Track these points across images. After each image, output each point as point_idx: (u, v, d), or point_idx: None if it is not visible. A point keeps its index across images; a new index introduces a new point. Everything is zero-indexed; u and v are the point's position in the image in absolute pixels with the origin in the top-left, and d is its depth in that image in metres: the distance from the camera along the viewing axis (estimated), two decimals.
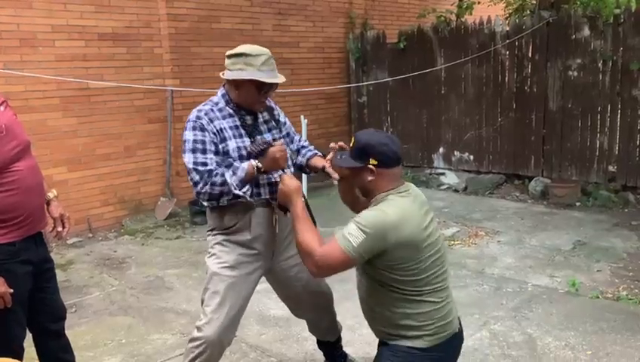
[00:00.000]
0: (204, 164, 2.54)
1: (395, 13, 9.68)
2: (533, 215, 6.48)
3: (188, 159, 2.57)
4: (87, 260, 5.38)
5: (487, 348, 3.46)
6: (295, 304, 3.04)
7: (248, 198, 2.61)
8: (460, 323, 2.39)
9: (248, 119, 2.70)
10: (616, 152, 6.80)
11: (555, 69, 7.08)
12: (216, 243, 2.72)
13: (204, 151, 2.56)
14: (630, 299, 4.12)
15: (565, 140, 7.14)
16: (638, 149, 6.64)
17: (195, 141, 2.57)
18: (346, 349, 3.26)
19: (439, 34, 7.97)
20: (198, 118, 2.60)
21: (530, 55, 7.29)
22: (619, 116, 6.74)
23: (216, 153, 2.59)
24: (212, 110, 2.64)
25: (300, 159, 2.93)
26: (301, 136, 3.03)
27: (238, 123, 2.66)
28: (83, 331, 3.86)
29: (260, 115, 2.76)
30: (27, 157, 2.52)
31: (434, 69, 7.95)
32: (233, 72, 2.59)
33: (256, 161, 2.57)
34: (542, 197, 7.10)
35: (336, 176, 2.60)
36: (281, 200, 2.49)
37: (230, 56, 2.63)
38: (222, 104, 2.68)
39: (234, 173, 2.55)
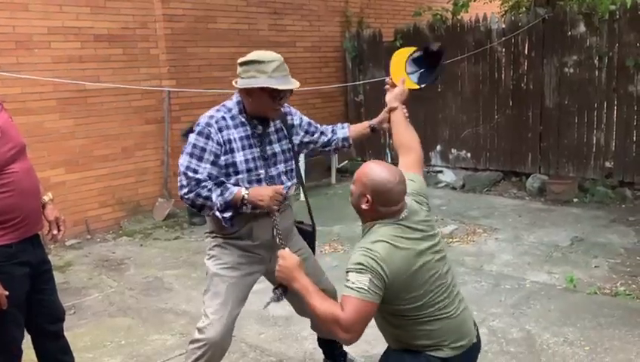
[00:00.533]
0: (195, 172, 2.53)
1: (390, 11, 9.69)
2: (530, 212, 6.50)
3: (182, 161, 2.57)
4: (85, 262, 5.38)
5: (485, 344, 3.45)
6: (298, 302, 3.03)
7: (225, 223, 2.55)
8: (478, 333, 2.38)
9: (259, 129, 2.66)
10: (613, 148, 6.82)
11: (551, 65, 7.09)
12: (216, 246, 2.73)
13: (200, 159, 2.54)
14: (628, 295, 4.13)
15: (562, 137, 7.16)
16: (634, 145, 6.66)
17: (194, 146, 2.56)
18: (346, 348, 3.27)
19: (435, 32, 7.98)
20: (208, 125, 2.57)
21: (526, 52, 7.32)
22: (615, 112, 6.76)
23: (214, 164, 2.55)
24: (224, 118, 2.60)
25: (342, 132, 2.96)
26: (325, 126, 3.00)
27: (249, 133, 2.63)
28: (82, 332, 3.87)
29: (271, 124, 2.73)
30: (22, 160, 2.52)
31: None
32: (245, 80, 2.55)
33: (246, 192, 2.52)
34: (539, 193, 7.11)
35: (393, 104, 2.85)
36: (282, 277, 2.27)
37: (242, 64, 2.58)
38: (235, 111, 2.63)
39: (221, 194, 2.51)
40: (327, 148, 3.00)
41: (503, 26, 7.45)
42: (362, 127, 2.99)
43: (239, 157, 2.60)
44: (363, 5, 9.14)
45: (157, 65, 6.71)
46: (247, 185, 2.60)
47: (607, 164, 6.89)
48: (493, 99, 7.66)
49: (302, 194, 3.14)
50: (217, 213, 2.52)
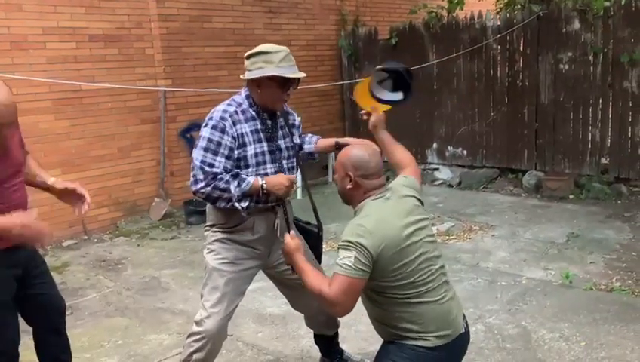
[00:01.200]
0: (211, 166, 2.56)
1: (386, 9, 9.69)
2: (526, 208, 6.51)
3: (197, 155, 2.60)
4: (82, 262, 5.38)
5: (482, 341, 3.48)
6: (293, 298, 3.06)
7: (243, 213, 2.62)
8: (467, 324, 2.40)
9: (268, 123, 2.72)
10: (609, 144, 6.84)
11: (546, 62, 7.11)
12: (216, 240, 2.76)
13: (215, 153, 2.57)
14: (623, 290, 4.15)
15: (558, 133, 7.17)
16: (629, 141, 6.68)
17: (210, 140, 2.59)
18: (342, 345, 3.28)
19: (431, 29, 7.99)
20: (222, 118, 2.60)
21: (521, 49, 7.32)
22: (610, 108, 6.78)
23: (229, 157, 2.60)
24: (236, 112, 2.64)
25: (308, 146, 3.00)
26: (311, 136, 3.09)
27: (259, 127, 2.68)
28: (80, 333, 3.86)
29: (278, 120, 2.79)
30: (19, 176, 2.53)
31: (426, 64, 7.96)
32: (253, 71, 2.61)
33: (263, 181, 2.60)
34: (535, 190, 7.13)
35: (348, 140, 2.87)
36: (284, 257, 2.50)
37: (249, 57, 2.64)
38: (245, 105, 2.68)
39: (239, 185, 2.57)
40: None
41: (498, 23, 7.45)
42: (329, 143, 2.99)
43: (250, 150, 2.65)
44: (358, 3, 9.13)
45: (152, 64, 6.70)
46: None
47: (603, 160, 6.91)
48: (488, 96, 7.67)
49: (299, 194, 3.16)
50: (236, 204, 2.57)
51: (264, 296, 4.22)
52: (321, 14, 8.60)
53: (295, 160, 2.87)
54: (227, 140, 2.58)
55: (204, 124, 2.65)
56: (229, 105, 2.67)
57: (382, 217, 2.27)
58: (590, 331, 3.54)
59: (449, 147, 8.13)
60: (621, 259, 4.81)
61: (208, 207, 2.79)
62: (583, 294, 4.13)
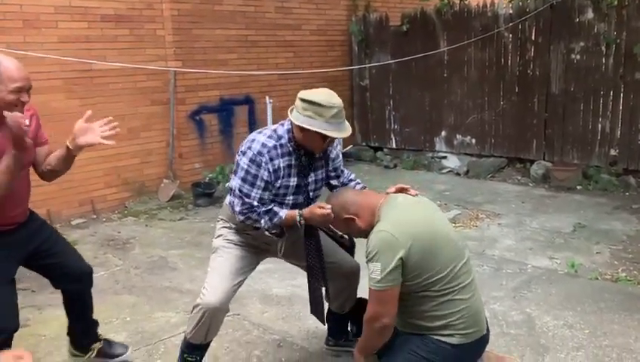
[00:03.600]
0: (248, 196, 2.64)
1: None
2: (534, 198, 6.51)
3: (236, 184, 2.67)
4: (91, 241, 5.43)
5: (489, 333, 3.50)
6: (333, 287, 3.06)
7: (270, 235, 2.75)
8: (488, 326, 2.43)
9: (304, 160, 2.73)
10: (618, 136, 6.82)
11: (558, 52, 7.07)
12: (225, 227, 2.88)
13: (252, 185, 2.64)
14: (629, 281, 4.16)
15: (567, 124, 7.15)
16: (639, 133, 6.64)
17: (247, 172, 2.63)
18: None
19: (442, 16, 7.95)
20: (260, 153, 2.62)
21: (533, 38, 7.28)
22: (621, 100, 6.74)
23: (265, 189, 2.66)
24: (275, 147, 2.65)
25: None
26: (350, 173, 3.07)
27: (293, 162, 2.70)
28: None
29: (316, 155, 2.79)
30: (25, 170, 2.63)
31: (437, 51, 7.93)
32: (302, 117, 2.56)
33: (301, 215, 2.67)
34: (543, 180, 7.12)
35: None
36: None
37: (304, 101, 2.58)
38: (284, 140, 2.68)
39: (270, 220, 2.66)
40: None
41: (511, 11, 7.40)
42: None
43: (280, 182, 2.70)
44: None
45: (163, 46, 6.71)
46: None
47: (612, 152, 6.89)
48: (499, 85, 7.64)
49: None
50: (266, 232, 2.73)
51: (271, 277, 4.26)
52: None
53: (321, 190, 2.91)
54: (263, 174, 2.62)
55: (242, 150, 2.68)
56: (269, 137, 2.68)
57: (401, 216, 2.32)
58: (594, 319, 3.56)
59: (458, 135, 8.12)
60: (627, 249, 4.81)
61: (225, 204, 2.86)
62: (589, 283, 4.15)
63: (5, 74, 2.45)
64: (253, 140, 2.67)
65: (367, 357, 2.52)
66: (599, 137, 6.94)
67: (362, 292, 2.81)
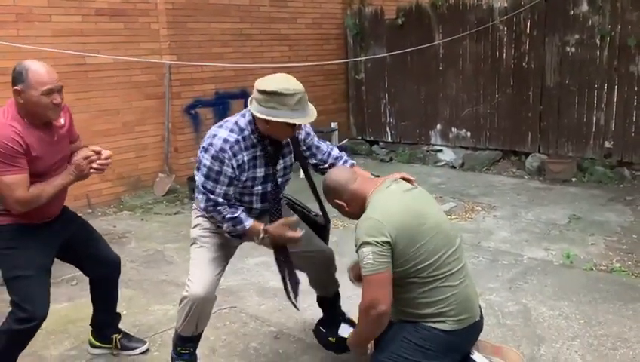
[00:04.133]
0: (212, 193, 2.62)
1: None
2: (529, 190, 6.53)
3: (199, 180, 2.65)
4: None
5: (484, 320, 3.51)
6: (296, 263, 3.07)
7: (230, 236, 2.76)
8: (482, 312, 2.44)
9: (271, 149, 2.69)
10: (613, 128, 6.83)
11: (552, 44, 7.07)
12: (200, 216, 2.87)
13: (216, 181, 2.61)
14: (623, 271, 4.18)
15: (562, 116, 7.16)
16: (634, 125, 6.67)
17: (210, 169, 2.59)
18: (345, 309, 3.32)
19: (437, 10, 7.94)
20: (222, 150, 2.56)
21: (528, 31, 7.27)
22: (616, 92, 6.75)
23: (229, 185, 2.63)
24: (237, 142, 2.59)
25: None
26: (332, 145, 3.00)
27: (258, 153, 2.66)
28: (84, 302, 3.86)
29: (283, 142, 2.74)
30: (63, 168, 2.74)
31: (432, 44, 7.93)
32: (265, 109, 2.49)
33: (265, 232, 2.66)
34: (538, 173, 7.15)
35: None
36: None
37: (264, 93, 2.50)
38: (247, 132, 2.63)
39: (234, 226, 2.66)
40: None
41: (506, 4, 7.39)
42: None
43: (248, 175, 2.67)
44: None
45: (157, 40, 6.69)
46: (238, 199, 2.74)
47: (607, 144, 6.91)
48: (494, 78, 7.65)
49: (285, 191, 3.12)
50: (226, 234, 2.73)
51: (267, 269, 4.26)
52: None
53: (290, 173, 2.87)
54: (227, 171, 2.59)
55: (203, 147, 2.61)
56: (231, 131, 2.61)
57: (388, 204, 2.32)
58: (589, 309, 3.58)
59: (453, 128, 8.13)
60: (622, 241, 4.83)
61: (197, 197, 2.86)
62: (584, 274, 4.17)
63: (34, 78, 2.52)
64: (214, 136, 2.60)
65: (362, 347, 2.53)
66: (594, 130, 6.96)
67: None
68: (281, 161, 2.77)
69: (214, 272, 2.75)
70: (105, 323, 3.22)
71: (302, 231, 2.73)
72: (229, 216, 2.63)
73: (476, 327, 2.43)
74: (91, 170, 2.69)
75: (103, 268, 3.07)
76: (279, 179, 2.79)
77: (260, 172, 2.69)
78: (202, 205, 2.67)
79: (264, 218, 2.81)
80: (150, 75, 6.68)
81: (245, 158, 2.62)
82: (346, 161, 2.93)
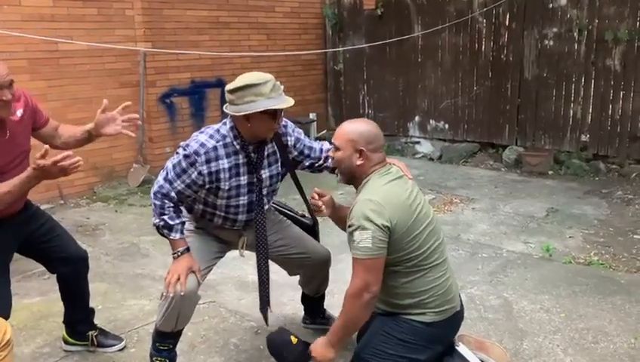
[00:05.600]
0: (170, 183, 2.56)
1: None
2: (506, 183, 6.56)
3: (166, 165, 2.60)
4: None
5: (464, 311, 3.50)
6: (287, 268, 3.11)
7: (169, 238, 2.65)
8: (462, 301, 2.42)
9: (254, 157, 2.63)
10: (589, 122, 6.90)
11: (531, 37, 7.10)
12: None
13: (178, 176, 2.55)
14: (601, 264, 4.21)
15: (540, 109, 7.21)
16: (610, 119, 6.74)
17: (179, 164, 2.55)
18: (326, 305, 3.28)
19: (417, 1, 7.90)
20: (197, 153, 2.52)
21: (507, 24, 7.29)
22: (592, 86, 6.81)
23: (188, 186, 2.56)
24: (215, 148, 2.54)
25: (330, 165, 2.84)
26: (320, 144, 2.92)
27: (240, 161, 2.60)
28: (56, 298, 3.72)
29: (265, 148, 2.68)
30: (23, 164, 2.58)
31: (411, 36, 7.90)
32: (242, 106, 2.45)
33: (176, 253, 2.60)
34: (515, 165, 7.19)
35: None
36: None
37: (234, 91, 2.46)
38: (229, 139, 2.57)
39: (164, 227, 2.58)
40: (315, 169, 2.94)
41: None
42: None
43: (224, 186, 2.60)
44: None
45: (132, 26, 6.51)
46: (224, 211, 2.70)
47: (583, 137, 6.98)
48: (472, 70, 7.65)
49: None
50: (164, 231, 2.63)
51: (246, 263, 4.16)
52: None
53: (278, 184, 2.83)
54: (192, 173, 2.53)
55: (182, 144, 2.60)
56: (210, 137, 2.57)
57: (390, 191, 2.27)
58: (570, 303, 3.59)
59: (431, 120, 8.12)
60: (599, 234, 4.88)
61: None
62: (563, 267, 4.19)
63: None
64: (193, 138, 2.59)
65: (345, 340, 2.44)
66: (570, 123, 7.02)
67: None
68: (266, 170, 2.71)
69: (201, 266, 2.68)
70: (77, 321, 3.11)
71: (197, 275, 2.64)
72: (166, 213, 2.57)
73: (457, 318, 2.42)
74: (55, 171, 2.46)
75: (69, 265, 2.95)
76: (264, 189, 2.73)
77: (244, 180, 2.64)
78: (154, 187, 2.59)
79: (249, 229, 2.78)
80: (124, 62, 6.51)
81: (226, 166, 2.57)
82: None
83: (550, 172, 6.90)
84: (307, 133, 8.16)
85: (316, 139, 8.36)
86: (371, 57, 8.43)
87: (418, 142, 8.23)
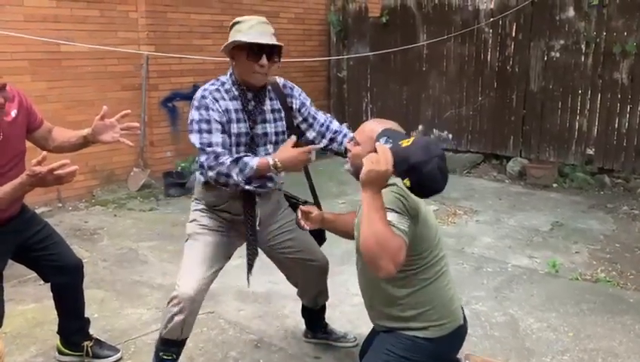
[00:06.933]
0: (210, 145, 2.45)
1: None
2: (510, 195, 6.49)
3: (194, 140, 2.48)
4: (56, 230, 5.16)
5: (469, 327, 3.33)
6: (288, 272, 3.01)
7: (254, 189, 2.53)
8: (465, 315, 2.33)
9: (251, 104, 2.56)
10: (595, 135, 6.82)
11: (537, 49, 7.03)
12: (198, 210, 2.72)
13: (209, 131, 2.46)
14: (608, 281, 4.13)
15: (545, 121, 7.14)
16: (616, 132, 6.66)
17: (200, 121, 2.47)
18: (328, 320, 3.20)
19: (422, 9, 7.85)
20: (203, 97, 2.50)
21: (513, 34, 7.22)
22: (599, 99, 6.74)
23: (223, 132, 2.49)
24: (218, 90, 2.53)
25: (337, 146, 2.77)
26: (330, 118, 2.82)
27: (240, 107, 2.55)
28: (52, 304, 3.65)
29: (267, 102, 2.61)
30: (19, 166, 2.52)
31: (416, 45, 7.84)
32: (227, 43, 2.47)
33: (275, 160, 2.45)
34: (519, 177, 7.11)
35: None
36: (372, 170, 1.89)
37: (229, 30, 2.51)
38: (228, 84, 2.56)
39: (241, 171, 2.43)
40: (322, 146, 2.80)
41: (492, 6, 7.34)
42: None
43: (234, 129, 2.53)
44: None
45: (135, 29, 6.45)
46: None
47: (588, 151, 6.90)
48: (477, 80, 7.59)
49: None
50: (246, 187, 2.47)
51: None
52: None
53: (279, 145, 2.66)
54: (214, 115, 2.47)
55: (190, 109, 2.54)
56: (211, 84, 2.57)
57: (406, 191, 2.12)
58: (577, 322, 3.51)
59: (435, 130, 8.05)
60: (605, 249, 4.79)
61: (196, 181, 2.73)
62: (569, 284, 4.10)
63: None
64: (196, 93, 2.56)
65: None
66: (576, 136, 6.95)
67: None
68: (272, 124, 2.62)
69: (207, 272, 2.58)
70: (72, 331, 3.03)
71: (313, 152, 2.52)
72: (230, 160, 2.43)
73: (460, 332, 2.33)
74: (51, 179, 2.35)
75: (64, 275, 2.88)
76: (270, 146, 2.61)
77: (245, 128, 2.55)
78: (205, 163, 2.45)
79: (262, 200, 2.66)
80: (127, 65, 6.44)
81: (230, 107, 2.52)
82: (345, 135, 2.75)
83: (554, 185, 6.82)
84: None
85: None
86: (375, 65, 8.37)
87: None
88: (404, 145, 1.95)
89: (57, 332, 3.05)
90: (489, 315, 3.59)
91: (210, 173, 2.46)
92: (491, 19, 7.26)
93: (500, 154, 7.58)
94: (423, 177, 1.92)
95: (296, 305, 3.31)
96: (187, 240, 2.69)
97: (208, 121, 2.46)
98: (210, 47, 7.05)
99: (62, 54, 5.85)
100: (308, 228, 2.60)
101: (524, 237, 5.08)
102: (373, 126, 2.28)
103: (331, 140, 2.76)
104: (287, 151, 2.48)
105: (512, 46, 7.24)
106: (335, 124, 2.80)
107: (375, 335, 2.34)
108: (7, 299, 3.57)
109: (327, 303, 3.17)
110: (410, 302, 2.18)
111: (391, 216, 1.95)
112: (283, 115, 2.67)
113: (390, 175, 1.92)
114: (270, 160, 2.45)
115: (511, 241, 4.98)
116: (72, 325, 3.01)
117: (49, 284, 3.00)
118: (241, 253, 2.83)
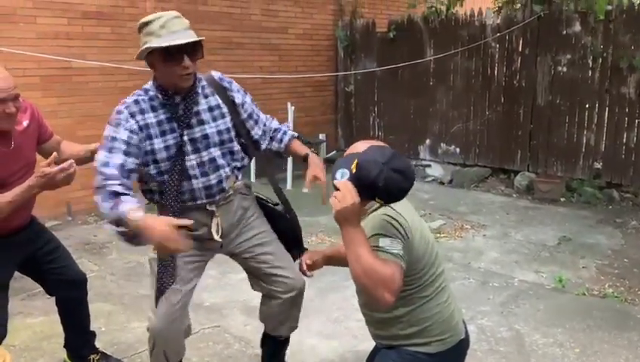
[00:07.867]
0: (106, 165, 2.19)
1: (385, 1, 9.59)
2: (518, 209, 6.47)
3: (98, 157, 2.27)
4: (66, 244, 5.03)
5: (475, 343, 3.40)
6: (257, 284, 2.74)
7: (120, 239, 2.21)
8: (467, 328, 2.33)
9: (180, 109, 2.31)
10: (603, 149, 6.81)
11: (544, 63, 7.06)
12: None
13: (110, 150, 2.22)
14: (616, 297, 4.11)
15: (552, 135, 7.14)
16: (624, 147, 6.65)
17: (106, 137, 2.25)
18: (331, 342, 3.20)
19: (429, 24, 7.90)
20: (118, 112, 2.27)
21: (520, 49, 7.25)
22: (606, 113, 6.74)
23: (127, 153, 2.23)
24: (137, 102, 2.29)
25: (276, 145, 2.63)
26: (270, 117, 2.66)
27: (168, 115, 2.30)
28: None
29: (201, 101, 2.37)
30: (28, 175, 2.53)
31: (423, 60, 7.88)
32: (140, 50, 2.23)
33: (136, 217, 2.05)
34: (527, 191, 7.10)
35: (309, 186, 2.47)
36: (341, 210, 1.84)
37: (139, 33, 2.26)
38: (152, 92, 2.32)
39: (112, 208, 2.13)
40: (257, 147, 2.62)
41: (498, 21, 7.38)
42: (300, 151, 2.66)
43: (158, 144, 2.30)
44: None
45: None
46: (167, 176, 2.34)
47: (596, 165, 6.88)
48: (484, 95, 7.61)
49: (288, 184, 2.96)
50: (105, 225, 2.17)
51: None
52: (319, 3, 8.47)
53: (235, 143, 2.47)
54: (123, 135, 2.23)
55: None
56: (133, 95, 2.33)
57: (405, 209, 2.08)
58: (584, 337, 3.49)
59: (442, 144, 8.07)
60: (613, 265, 4.77)
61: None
62: (576, 299, 4.09)
63: None
64: None
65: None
66: (584, 150, 6.94)
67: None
68: (212, 125, 2.37)
69: (177, 298, 2.37)
70: (78, 344, 3.06)
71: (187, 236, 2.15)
72: (110, 192, 2.13)
73: (462, 346, 2.31)
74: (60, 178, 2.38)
75: (68, 289, 2.92)
76: (216, 148, 2.38)
77: (167, 140, 2.30)
78: (94, 185, 2.20)
79: (221, 208, 2.44)
80: (137, 80, 6.40)
81: (153, 120, 2.28)
82: (285, 133, 2.63)
83: (562, 199, 6.81)
84: (317, 154, 8.11)
85: (325, 160, 8.34)
86: (383, 79, 8.42)
87: (429, 166, 8.17)
88: (354, 171, 1.90)
89: (64, 346, 3.09)
90: (494, 330, 3.59)
91: (96, 196, 2.19)
92: (498, 34, 7.30)
93: (507, 169, 7.58)
94: (387, 188, 1.89)
95: (302, 319, 3.31)
96: (150, 264, 2.51)
97: (114, 139, 2.23)
98: (219, 63, 7.12)
99: (73, 70, 5.94)
100: (312, 276, 2.51)
101: (531, 252, 5.07)
102: (359, 147, 2.13)
103: (271, 139, 2.63)
104: (156, 220, 2.09)
105: (519, 61, 7.27)
106: (275, 123, 2.66)
107: (375, 353, 2.34)
108: (16, 312, 3.64)
109: (331, 319, 3.16)
110: (411, 320, 2.18)
111: (382, 242, 1.93)
112: (225, 110, 2.44)
113: (359, 205, 1.88)
114: (134, 216, 2.04)
115: (518, 256, 4.97)
116: (78, 338, 3.05)
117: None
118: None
